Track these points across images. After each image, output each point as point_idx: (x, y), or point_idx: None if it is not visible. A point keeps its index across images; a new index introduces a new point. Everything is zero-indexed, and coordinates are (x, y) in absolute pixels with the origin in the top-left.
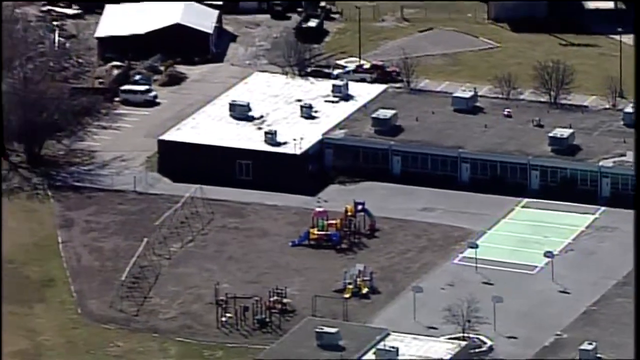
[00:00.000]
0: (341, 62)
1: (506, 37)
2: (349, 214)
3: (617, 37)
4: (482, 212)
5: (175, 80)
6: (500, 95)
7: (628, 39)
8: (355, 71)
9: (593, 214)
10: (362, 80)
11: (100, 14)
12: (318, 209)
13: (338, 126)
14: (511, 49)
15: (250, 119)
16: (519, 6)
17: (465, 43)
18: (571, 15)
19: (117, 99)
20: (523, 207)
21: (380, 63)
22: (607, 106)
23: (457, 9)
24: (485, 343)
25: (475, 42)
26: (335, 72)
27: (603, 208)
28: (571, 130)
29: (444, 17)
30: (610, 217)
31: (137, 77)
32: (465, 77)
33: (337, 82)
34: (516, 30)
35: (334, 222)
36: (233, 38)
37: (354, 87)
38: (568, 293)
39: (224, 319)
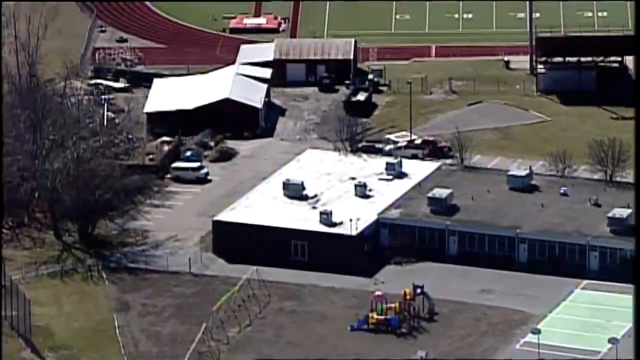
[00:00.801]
0: (392, 137)
1: (556, 110)
2: (408, 297)
3: None
4: (541, 294)
5: (226, 156)
6: (555, 173)
7: None
8: (407, 147)
9: None
10: (414, 156)
11: (148, 87)
12: (377, 293)
13: (393, 205)
14: (562, 122)
15: (305, 198)
16: (567, 79)
17: (515, 116)
18: (619, 87)
19: (168, 176)
20: (582, 289)
21: (431, 138)
22: None
23: (505, 81)
24: None
25: (526, 115)
26: (387, 147)
27: None
28: (630, 210)
29: (492, 89)
30: None
31: (188, 153)
32: (517, 152)
33: (391, 159)
34: (565, 103)
35: (392, 305)
36: (282, 112)
37: (407, 165)
38: None
39: None
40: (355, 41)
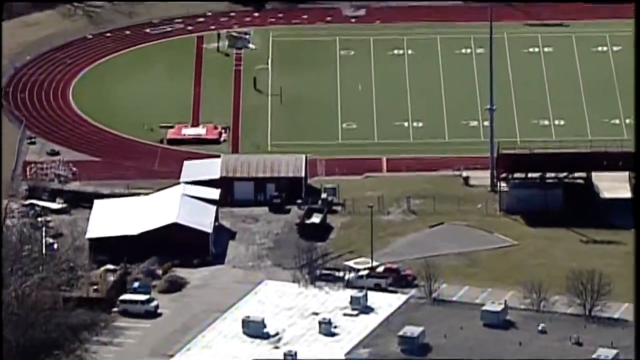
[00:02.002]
0: (351, 264)
1: (522, 233)
2: None
3: None
4: None
5: (176, 286)
6: (530, 306)
7: None
8: (369, 275)
9: None
10: (378, 285)
11: (87, 207)
12: None
13: (361, 344)
14: (530, 246)
15: (266, 336)
16: (532, 197)
17: (480, 240)
18: (586, 206)
19: (115, 309)
20: None
21: (394, 266)
22: None
23: (465, 199)
24: None
25: (491, 238)
26: (348, 276)
27: None
28: (615, 351)
29: (452, 208)
30: None
31: (136, 284)
32: (485, 281)
33: (355, 292)
34: (531, 224)
35: None
36: (232, 235)
37: (372, 297)
38: None
39: None
40: (306, 157)
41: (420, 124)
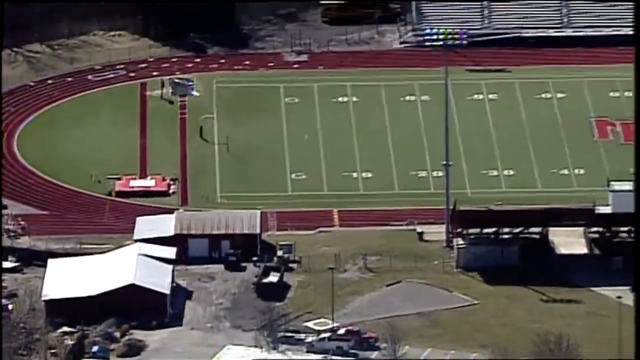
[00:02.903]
0: (311, 325)
1: (481, 291)
2: None
3: (600, 289)
4: None
5: (135, 350)
6: None
7: (611, 292)
8: (330, 338)
9: None
10: (339, 348)
11: (39, 265)
12: None
13: None
14: (490, 306)
15: None
16: (488, 254)
17: (439, 299)
18: (543, 262)
19: None
20: None
21: (355, 328)
22: None
23: (421, 255)
24: None
25: (450, 297)
26: (309, 339)
27: None
28: None
29: (409, 266)
30: None
31: (95, 348)
32: (448, 343)
33: (320, 358)
34: (489, 282)
35: None
36: (189, 295)
37: None
38: None
39: None
40: (262, 213)
41: (369, 175)
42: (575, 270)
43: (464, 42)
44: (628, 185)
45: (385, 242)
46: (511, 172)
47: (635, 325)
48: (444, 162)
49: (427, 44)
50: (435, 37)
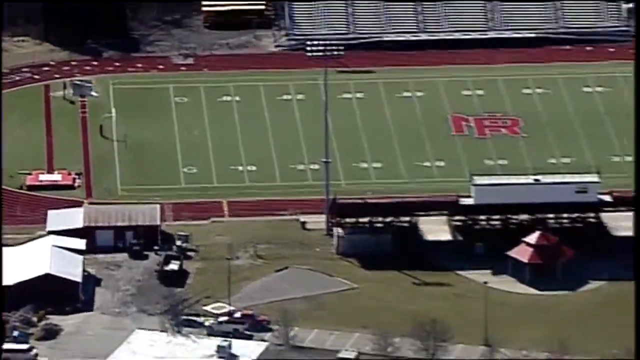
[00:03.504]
0: (209, 309)
1: (359, 276)
2: None
3: (465, 272)
4: None
5: (52, 333)
6: (379, 352)
7: (475, 276)
8: (227, 322)
9: None
10: (236, 330)
11: None
12: None
13: None
14: (368, 289)
15: None
16: (364, 242)
17: (323, 283)
18: (413, 248)
19: None
20: None
21: (250, 312)
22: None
23: (304, 243)
24: None
25: (332, 282)
26: (208, 322)
27: None
28: None
29: (294, 253)
30: None
31: (15, 333)
32: (333, 324)
33: (221, 341)
34: (366, 267)
35: None
36: (98, 282)
37: (236, 345)
38: None
39: None
40: (161, 206)
41: (254, 168)
42: (441, 255)
43: (342, 52)
44: (487, 179)
45: (271, 231)
46: (379, 165)
47: (635, 324)
48: (324, 160)
49: (309, 54)
50: (316, 46)
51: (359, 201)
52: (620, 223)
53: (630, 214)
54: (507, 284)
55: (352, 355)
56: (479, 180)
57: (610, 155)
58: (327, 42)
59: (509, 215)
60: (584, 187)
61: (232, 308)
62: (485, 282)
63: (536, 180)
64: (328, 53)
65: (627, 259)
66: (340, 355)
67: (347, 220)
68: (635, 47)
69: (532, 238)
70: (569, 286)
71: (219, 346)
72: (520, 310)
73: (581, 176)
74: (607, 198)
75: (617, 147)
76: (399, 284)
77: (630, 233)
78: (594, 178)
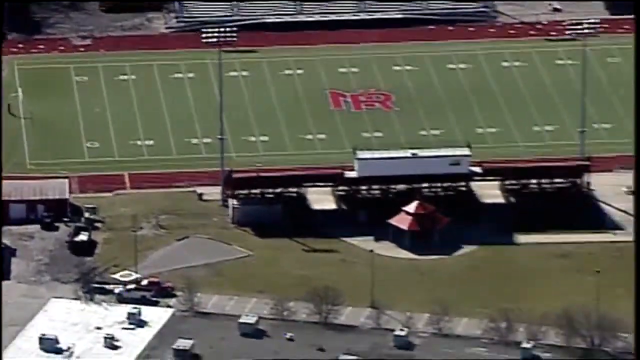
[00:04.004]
0: (118, 277)
1: (254, 244)
2: None
3: (349, 239)
4: None
5: None
6: (276, 316)
7: (359, 242)
8: (136, 289)
9: None
10: (144, 297)
11: None
12: None
13: (141, 357)
14: (264, 257)
15: (59, 351)
16: (257, 212)
17: (221, 251)
18: (302, 217)
19: None
20: None
21: (156, 279)
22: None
23: (202, 213)
24: None
25: (230, 250)
26: (118, 290)
27: None
28: (355, 358)
29: (193, 223)
30: None
31: None
32: (232, 290)
33: (131, 308)
34: (260, 235)
35: None
36: (13, 252)
37: (145, 312)
38: None
39: None
40: (69, 180)
41: (151, 142)
42: (328, 223)
43: (235, 36)
44: (369, 154)
45: (171, 203)
46: (266, 138)
47: (635, 322)
48: (219, 137)
49: (204, 40)
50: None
51: (252, 175)
52: (487, 191)
53: (496, 183)
54: (388, 249)
55: (253, 320)
56: (362, 154)
57: (475, 127)
58: (218, 25)
59: (389, 186)
60: (456, 160)
61: (138, 276)
62: (371, 251)
63: (413, 154)
64: (222, 38)
65: (495, 225)
66: (242, 320)
67: (241, 191)
68: (635, 41)
69: (411, 207)
70: (444, 251)
71: (129, 313)
72: (402, 274)
73: (454, 150)
74: (477, 169)
75: (481, 120)
76: (290, 251)
77: (496, 200)
78: (465, 151)
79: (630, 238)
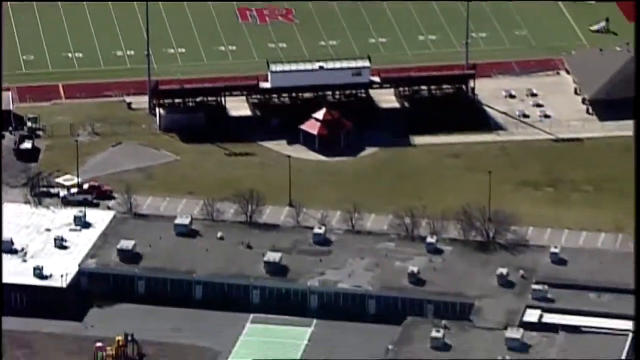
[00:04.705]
0: (61, 181)
1: (180, 149)
2: (121, 344)
3: (265, 143)
4: (221, 329)
5: None
6: (207, 217)
7: (274, 146)
8: (78, 192)
9: (309, 326)
10: (85, 200)
11: None
12: (98, 344)
13: (88, 256)
14: (189, 161)
15: (15, 252)
16: (181, 119)
17: (152, 156)
18: (222, 124)
19: None
20: (252, 322)
21: (96, 183)
22: (294, 223)
23: (132, 121)
24: None
25: (159, 155)
26: (62, 193)
27: (314, 320)
28: (280, 254)
29: (124, 130)
30: (322, 329)
31: None
32: (164, 192)
33: (77, 211)
34: (185, 140)
35: (110, 352)
36: None
37: (90, 215)
38: None
39: None
40: (11, 93)
41: (80, 55)
42: (245, 129)
43: None
44: (281, 66)
45: (103, 111)
46: (183, 50)
47: (635, 324)
48: (146, 53)
49: None
50: None
51: (176, 86)
52: (384, 97)
53: (391, 89)
54: (300, 152)
55: (187, 221)
56: (274, 67)
57: (369, 38)
58: None
59: (299, 94)
60: (358, 71)
61: (79, 180)
62: (289, 156)
63: (320, 67)
64: None
65: (392, 128)
66: (177, 221)
67: (166, 100)
68: (635, 46)
69: (319, 114)
70: (350, 153)
71: (75, 216)
72: (313, 175)
73: (356, 61)
74: (376, 79)
75: (373, 31)
76: (213, 155)
77: (392, 105)
78: (365, 63)
79: (512, 138)
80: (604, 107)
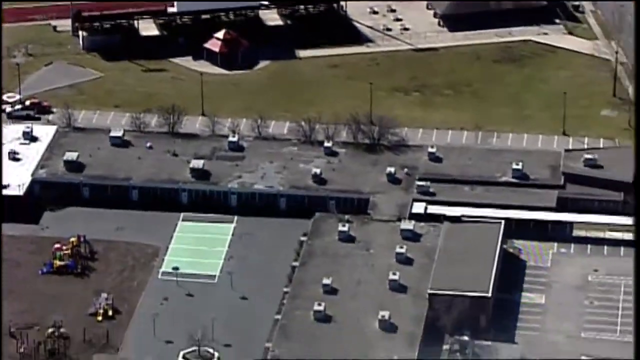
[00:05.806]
0: (6, 98)
1: (103, 66)
2: (75, 244)
3: (174, 59)
4: (158, 227)
5: None
6: (135, 128)
7: (182, 62)
8: (22, 108)
9: (232, 222)
10: (29, 115)
11: None
12: (56, 245)
13: (39, 166)
14: (111, 77)
15: None
16: (101, 40)
17: (79, 74)
18: (136, 43)
19: None
20: (183, 220)
21: (36, 100)
22: (210, 132)
23: (59, 42)
24: (213, 355)
25: (86, 72)
26: (8, 109)
27: (235, 217)
28: (202, 162)
29: (53, 50)
30: (243, 225)
31: None
32: (95, 106)
33: (25, 127)
34: (106, 59)
35: (66, 252)
36: None
37: (36, 129)
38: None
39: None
40: None
41: None
42: (154, 47)
43: None
44: None
45: (33, 34)
46: None
47: (634, 322)
48: None
49: None
50: None
51: (95, 13)
52: (271, 15)
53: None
54: (205, 67)
55: (120, 133)
56: None
57: None
58: None
59: (202, 16)
60: None
61: (21, 97)
62: (202, 74)
63: None
64: None
65: (280, 43)
66: (111, 134)
67: (87, 24)
68: (635, 46)
69: (220, 34)
70: (247, 66)
71: (23, 131)
72: (219, 87)
73: None
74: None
75: None
76: (132, 72)
77: (278, 23)
78: None
79: (380, 49)
80: (452, 20)
